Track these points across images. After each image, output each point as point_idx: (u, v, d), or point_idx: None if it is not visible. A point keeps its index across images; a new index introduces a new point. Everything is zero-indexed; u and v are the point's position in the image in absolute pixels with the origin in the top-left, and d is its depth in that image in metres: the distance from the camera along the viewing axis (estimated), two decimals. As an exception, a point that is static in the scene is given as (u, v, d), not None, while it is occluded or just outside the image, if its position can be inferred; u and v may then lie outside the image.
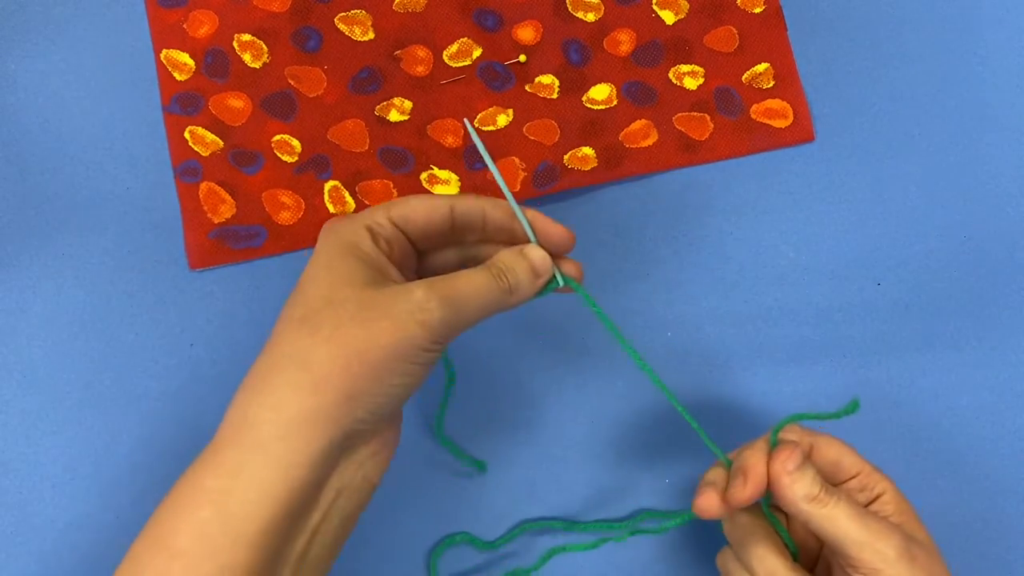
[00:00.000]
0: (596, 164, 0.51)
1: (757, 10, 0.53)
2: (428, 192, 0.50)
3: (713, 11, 0.53)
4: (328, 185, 0.50)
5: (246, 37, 0.51)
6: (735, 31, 0.52)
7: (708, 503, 0.39)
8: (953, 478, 0.49)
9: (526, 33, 0.52)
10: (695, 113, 0.52)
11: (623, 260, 0.50)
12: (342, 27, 0.52)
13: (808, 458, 0.39)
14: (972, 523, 0.48)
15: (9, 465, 0.47)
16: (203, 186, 0.50)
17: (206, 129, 0.51)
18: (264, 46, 0.51)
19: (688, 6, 0.53)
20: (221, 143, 0.50)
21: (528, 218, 0.39)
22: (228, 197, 0.50)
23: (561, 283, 0.39)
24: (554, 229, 0.39)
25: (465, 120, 0.42)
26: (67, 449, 0.47)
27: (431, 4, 0.52)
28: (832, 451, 0.41)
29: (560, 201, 0.51)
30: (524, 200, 0.51)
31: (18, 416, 0.48)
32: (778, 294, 0.50)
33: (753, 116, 0.52)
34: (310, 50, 0.52)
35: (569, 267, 0.40)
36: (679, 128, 0.51)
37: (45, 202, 0.50)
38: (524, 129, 0.51)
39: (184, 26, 0.51)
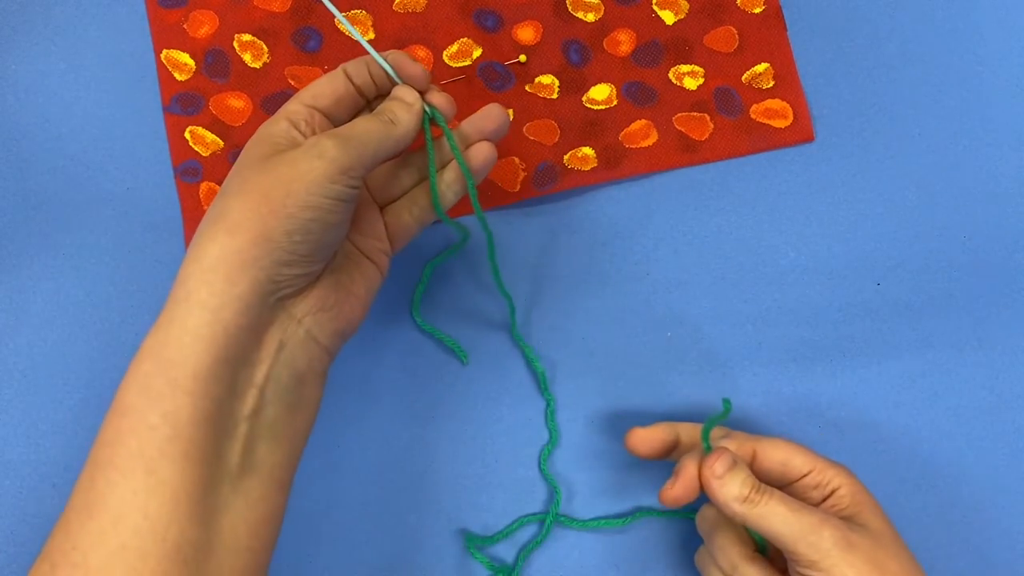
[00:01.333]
0: (596, 164, 0.51)
1: (757, 10, 0.53)
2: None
3: (713, 11, 0.53)
4: (328, 185, 0.50)
5: (246, 37, 0.52)
6: (735, 31, 0.52)
7: (667, 492, 0.42)
8: (953, 478, 0.49)
9: (526, 33, 0.52)
10: (695, 113, 0.52)
11: (623, 260, 0.50)
12: (342, 27, 0.52)
13: (746, 461, 0.42)
14: (972, 523, 0.48)
15: (9, 465, 0.47)
16: (203, 186, 0.50)
17: (206, 129, 0.51)
18: (264, 46, 0.51)
19: (688, 6, 0.53)
20: (221, 143, 0.50)
21: (390, 62, 0.41)
22: (228, 197, 0.50)
23: (430, 112, 0.42)
24: (411, 69, 0.41)
25: None
26: (67, 449, 0.47)
27: (431, 4, 0.52)
28: (779, 453, 0.42)
29: (560, 201, 0.51)
30: (525, 200, 0.51)
31: (18, 416, 0.48)
32: (778, 294, 0.50)
33: (753, 116, 0.52)
34: (310, 50, 0.52)
35: (438, 98, 0.42)
36: (679, 128, 0.51)
37: (45, 202, 0.50)
38: (524, 129, 0.51)
39: (184, 26, 0.51)
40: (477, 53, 0.52)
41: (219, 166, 0.50)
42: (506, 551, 0.48)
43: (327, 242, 0.38)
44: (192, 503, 0.34)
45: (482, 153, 0.44)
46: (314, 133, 0.40)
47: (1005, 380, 0.50)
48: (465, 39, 0.52)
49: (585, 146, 0.51)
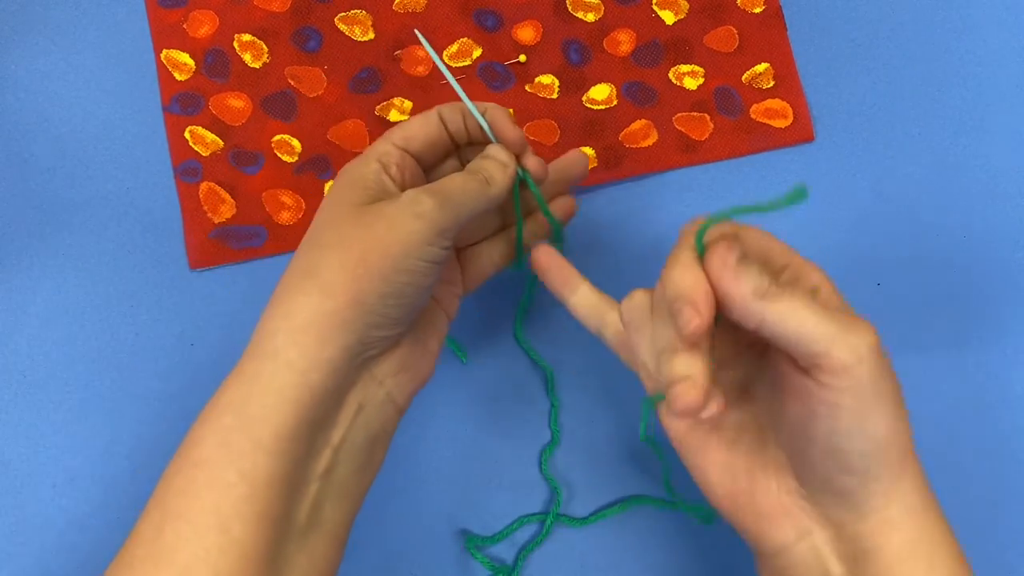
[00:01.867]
0: (596, 164, 0.51)
1: (757, 10, 0.53)
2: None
3: (713, 11, 0.53)
4: (328, 185, 0.50)
5: (246, 37, 0.52)
6: (735, 31, 0.52)
7: (692, 321, 0.33)
8: (953, 478, 0.49)
9: (526, 33, 0.52)
10: (695, 113, 0.52)
11: (623, 260, 0.50)
12: (342, 27, 0.52)
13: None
14: (972, 523, 0.48)
15: (9, 465, 0.47)
16: (203, 186, 0.50)
17: (206, 129, 0.51)
18: (264, 46, 0.51)
19: (688, 6, 0.53)
20: (221, 143, 0.50)
21: (488, 119, 0.41)
22: (228, 197, 0.50)
23: (522, 175, 0.42)
24: (511, 133, 0.41)
25: (416, 31, 0.45)
26: (67, 449, 0.47)
27: (431, 4, 0.52)
28: (758, 240, 0.36)
29: (560, 201, 0.51)
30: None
31: (18, 416, 0.48)
32: (778, 294, 0.50)
33: (753, 116, 0.52)
34: (310, 50, 0.52)
35: (531, 162, 0.41)
36: (679, 128, 0.51)
37: (45, 202, 0.50)
38: (524, 129, 0.51)
39: (184, 26, 0.51)
40: (477, 53, 0.52)
41: (219, 166, 0.50)
42: (506, 551, 0.48)
43: (418, 304, 0.37)
44: (261, 563, 0.33)
45: (567, 207, 0.45)
46: (403, 177, 0.39)
47: (1005, 380, 0.50)
48: (465, 39, 0.52)
49: (585, 146, 0.51)
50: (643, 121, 0.51)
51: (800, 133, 0.51)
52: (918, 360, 0.50)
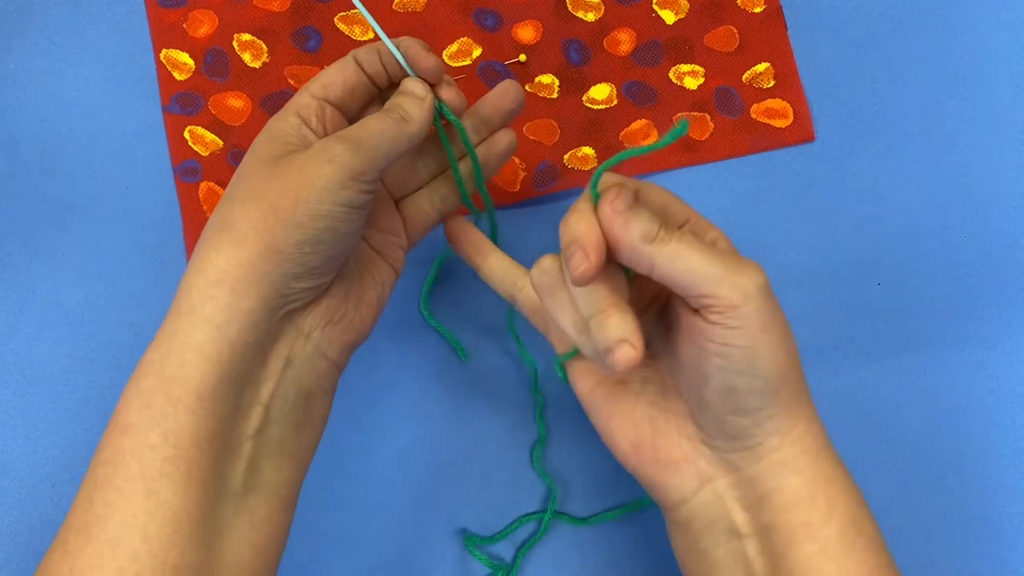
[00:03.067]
0: (596, 164, 0.51)
1: (757, 10, 0.53)
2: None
3: (713, 11, 0.53)
4: (328, 185, 0.50)
5: (246, 37, 0.51)
6: (735, 31, 0.52)
7: (579, 267, 0.33)
8: (953, 478, 0.49)
9: (526, 33, 0.52)
10: (695, 113, 0.52)
11: (623, 260, 0.50)
12: (342, 27, 0.52)
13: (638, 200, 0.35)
14: (972, 523, 0.48)
15: (9, 465, 0.47)
16: (203, 186, 0.50)
17: (206, 129, 0.51)
18: (264, 46, 0.51)
19: (688, 6, 0.53)
20: (221, 143, 0.50)
21: (402, 51, 0.39)
22: (228, 197, 0.50)
23: (439, 107, 0.40)
24: (425, 61, 0.39)
25: None
26: (67, 449, 0.47)
27: (431, 4, 0.52)
28: (659, 196, 0.37)
29: (560, 201, 0.51)
30: (525, 200, 0.51)
31: (18, 416, 0.48)
32: (778, 294, 0.50)
33: (753, 116, 0.52)
34: (310, 50, 0.52)
35: (448, 93, 0.40)
36: (679, 128, 0.51)
37: (45, 202, 0.50)
38: (524, 129, 0.51)
39: (184, 26, 0.51)
40: (477, 53, 0.52)
41: (218, 166, 0.50)
42: (506, 550, 0.48)
43: (339, 252, 0.37)
44: (194, 525, 0.33)
45: (504, 139, 0.43)
46: (325, 129, 0.38)
47: (1005, 380, 0.50)
48: (465, 39, 0.52)
49: (585, 146, 0.51)
50: (643, 121, 0.51)
51: (800, 133, 0.51)
52: (918, 360, 0.50)
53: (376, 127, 0.37)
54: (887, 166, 0.52)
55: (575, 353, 0.39)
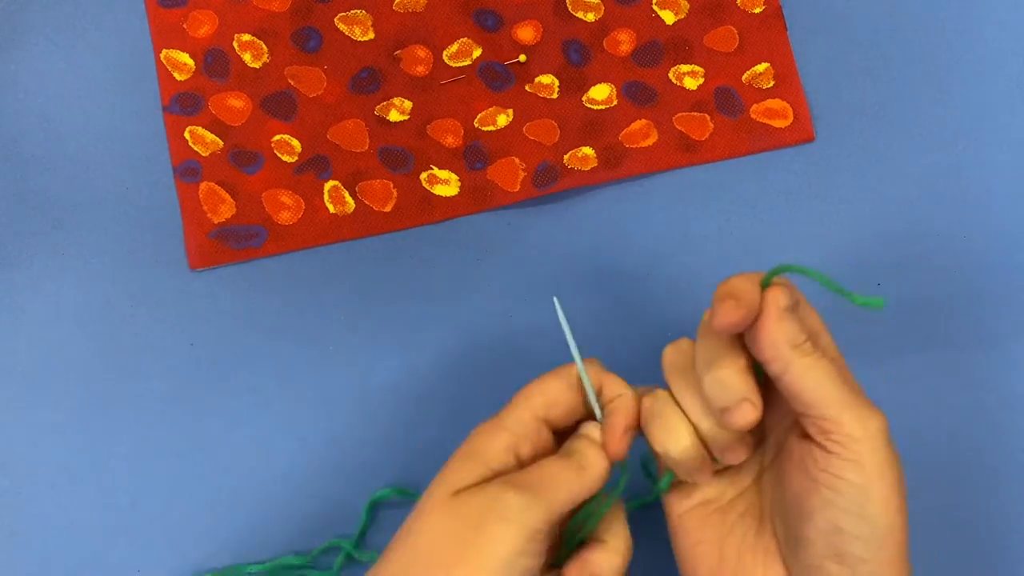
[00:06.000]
0: (596, 164, 0.51)
1: (757, 10, 0.53)
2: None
3: (713, 11, 0.53)
4: (328, 185, 0.50)
5: (246, 37, 0.52)
6: (735, 31, 0.52)
7: (726, 314, 0.33)
8: (953, 478, 0.49)
9: (526, 33, 0.52)
10: (695, 113, 0.52)
11: (623, 260, 0.50)
12: (342, 27, 0.52)
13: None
14: (972, 523, 0.48)
15: (9, 465, 0.47)
16: (203, 186, 0.50)
17: (206, 129, 0.51)
18: (264, 46, 0.51)
19: (688, 6, 0.53)
20: (221, 143, 0.50)
21: (595, 384, 0.38)
22: (228, 197, 0.50)
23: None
24: (621, 416, 0.37)
25: (555, 299, 0.40)
26: (67, 449, 0.47)
27: (431, 4, 0.52)
28: (814, 320, 0.36)
29: (560, 201, 0.51)
30: (524, 200, 0.51)
31: (18, 416, 0.48)
32: (778, 294, 0.50)
33: (753, 116, 0.52)
34: (310, 50, 0.52)
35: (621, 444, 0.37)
36: (679, 128, 0.51)
37: (45, 202, 0.50)
38: (524, 129, 0.51)
39: (184, 26, 0.51)
40: (477, 53, 0.52)
41: (219, 166, 0.50)
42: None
43: None
44: None
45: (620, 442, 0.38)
46: (533, 454, 0.35)
47: (1005, 380, 0.50)
48: (465, 39, 0.52)
49: (585, 146, 0.51)
50: (643, 121, 0.51)
51: (800, 133, 0.51)
52: (917, 360, 0.50)
53: (555, 473, 0.35)
54: (887, 166, 0.52)
55: (671, 478, 0.38)
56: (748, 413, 0.33)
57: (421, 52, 0.52)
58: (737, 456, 0.36)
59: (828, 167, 0.51)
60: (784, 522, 0.35)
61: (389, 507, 0.48)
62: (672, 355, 0.37)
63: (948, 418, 0.49)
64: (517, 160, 0.51)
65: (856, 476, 0.32)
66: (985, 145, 0.52)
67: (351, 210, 0.50)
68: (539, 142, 0.51)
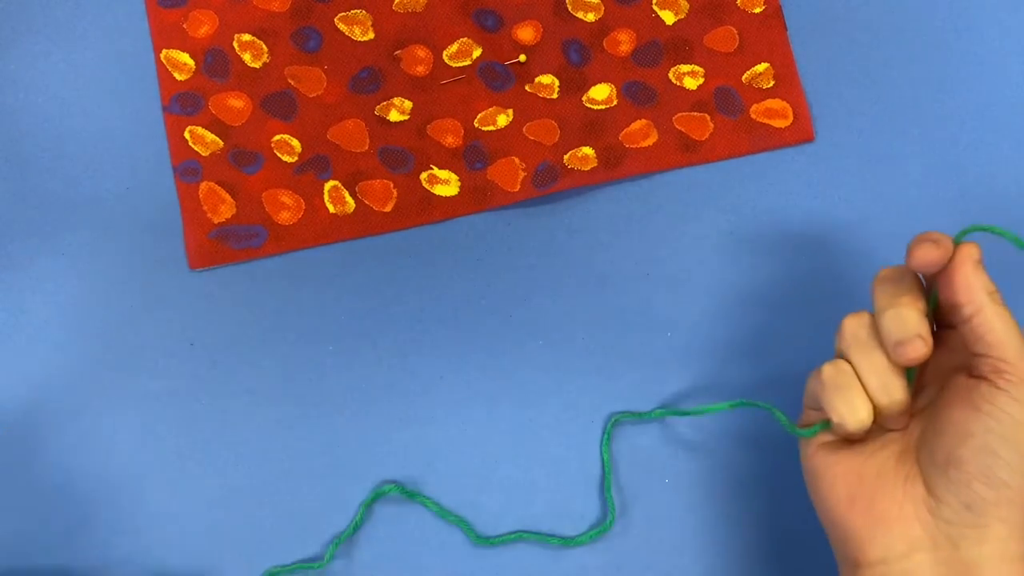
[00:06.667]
0: (596, 164, 0.51)
1: (757, 10, 0.53)
2: (429, 192, 0.50)
3: (713, 11, 0.53)
4: (328, 185, 0.50)
5: (246, 37, 0.52)
6: (735, 31, 0.52)
7: (927, 251, 0.37)
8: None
9: (526, 33, 0.52)
10: (695, 113, 0.52)
11: (623, 260, 0.50)
12: (342, 27, 0.52)
13: None
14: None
15: (10, 465, 0.47)
16: (203, 186, 0.50)
17: (206, 129, 0.51)
18: (264, 46, 0.51)
19: (688, 6, 0.53)
20: (221, 143, 0.50)
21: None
22: (228, 197, 0.50)
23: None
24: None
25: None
26: (68, 449, 0.47)
27: (431, 4, 0.52)
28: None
29: (560, 201, 0.51)
30: (524, 200, 0.51)
31: (18, 416, 0.48)
32: (778, 294, 0.50)
33: (753, 116, 0.52)
34: (310, 50, 0.52)
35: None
36: (679, 128, 0.51)
37: (45, 202, 0.50)
38: (524, 129, 0.51)
39: (184, 26, 0.51)
40: (477, 53, 0.52)
41: (219, 166, 0.50)
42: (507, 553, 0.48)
43: None
44: None
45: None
46: None
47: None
48: (465, 39, 0.52)
49: (585, 146, 0.51)
50: (643, 121, 0.51)
51: (800, 133, 0.51)
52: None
53: None
54: (887, 166, 0.52)
55: (822, 427, 0.40)
56: (920, 347, 0.37)
57: (421, 52, 0.52)
58: (901, 424, 0.39)
59: (828, 167, 0.51)
60: (938, 445, 0.37)
61: (389, 505, 0.48)
62: (854, 327, 0.39)
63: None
64: (517, 160, 0.51)
65: (1018, 412, 0.35)
66: (985, 144, 0.52)
67: (351, 210, 0.50)
68: (539, 142, 0.51)
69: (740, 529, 0.48)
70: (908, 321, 0.37)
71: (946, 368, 0.39)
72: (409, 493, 0.47)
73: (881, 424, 0.40)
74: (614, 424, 0.48)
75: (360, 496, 0.48)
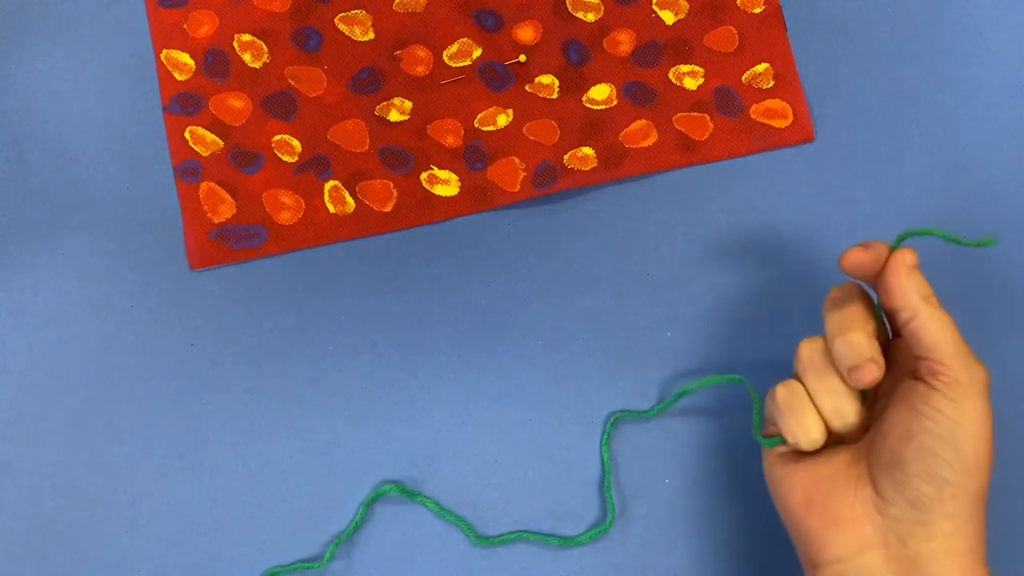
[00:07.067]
0: (596, 164, 0.51)
1: (757, 10, 0.53)
2: (429, 192, 0.50)
3: (713, 11, 0.53)
4: (328, 185, 0.50)
5: (246, 37, 0.52)
6: (735, 31, 0.52)
7: (855, 255, 0.39)
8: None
9: (526, 33, 0.52)
10: (695, 113, 0.52)
11: (623, 260, 0.50)
12: (342, 27, 0.52)
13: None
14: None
15: (9, 465, 0.47)
16: (203, 186, 0.50)
17: (206, 129, 0.51)
18: (264, 46, 0.51)
19: (688, 6, 0.53)
20: (221, 143, 0.51)
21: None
22: (228, 197, 0.50)
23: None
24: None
25: None
26: (67, 449, 0.48)
27: (431, 4, 0.52)
28: (928, 286, 0.40)
29: (560, 201, 0.51)
30: (524, 200, 0.51)
31: (18, 416, 0.48)
32: (779, 295, 0.50)
33: (753, 116, 0.52)
34: (310, 50, 0.52)
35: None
36: (679, 128, 0.51)
37: (45, 202, 0.50)
38: (524, 129, 0.51)
39: (184, 26, 0.51)
40: (477, 53, 0.52)
41: (219, 166, 0.50)
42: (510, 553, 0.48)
43: None
44: None
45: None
46: None
47: (1005, 380, 0.50)
48: (465, 39, 0.52)
49: (585, 146, 0.51)
50: (643, 121, 0.52)
51: (800, 133, 0.51)
52: (918, 360, 0.50)
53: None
54: (887, 166, 0.52)
55: (781, 441, 0.41)
56: (873, 371, 0.38)
57: (421, 52, 0.52)
58: (856, 439, 0.40)
59: (828, 167, 0.51)
60: (884, 447, 0.38)
61: (389, 505, 0.48)
62: (808, 352, 0.40)
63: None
64: (517, 160, 0.51)
65: (954, 412, 0.37)
66: (984, 144, 0.52)
67: (351, 210, 0.50)
68: (539, 142, 0.51)
69: (740, 529, 0.48)
70: (859, 346, 0.38)
71: (900, 376, 0.40)
72: (409, 493, 0.47)
73: (836, 439, 0.41)
74: (614, 424, 0.48)
75: (360, 496, 0.48)
